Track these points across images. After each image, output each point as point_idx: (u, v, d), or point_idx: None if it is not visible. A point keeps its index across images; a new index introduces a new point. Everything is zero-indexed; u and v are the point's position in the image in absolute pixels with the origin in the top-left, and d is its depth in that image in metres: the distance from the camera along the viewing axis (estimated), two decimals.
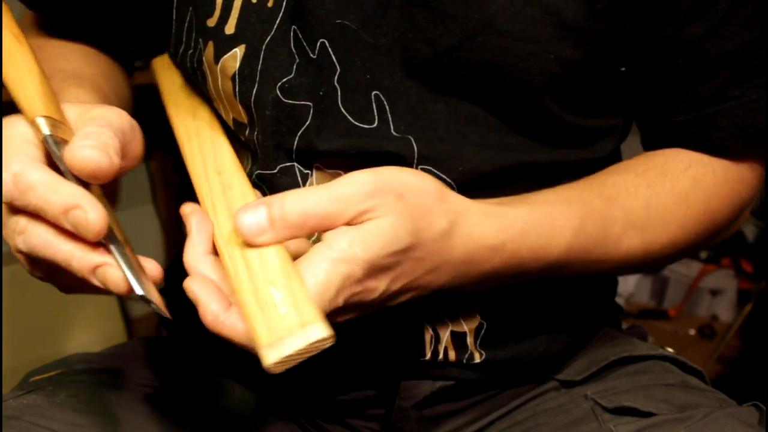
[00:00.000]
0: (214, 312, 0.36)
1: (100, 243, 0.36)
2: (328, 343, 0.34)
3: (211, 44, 0.47)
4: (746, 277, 1.59)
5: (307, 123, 0.46)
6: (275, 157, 0.48)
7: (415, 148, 0.46)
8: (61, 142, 0.36)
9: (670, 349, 0.59)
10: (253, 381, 0.59)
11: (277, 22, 0.45)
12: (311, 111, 0.46)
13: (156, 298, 0.37)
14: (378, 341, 0.52)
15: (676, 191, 0.50)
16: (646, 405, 0.48)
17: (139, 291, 0.36)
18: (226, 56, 0.47)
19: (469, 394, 0.56)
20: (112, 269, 0.35)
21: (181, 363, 0.59)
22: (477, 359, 0.53)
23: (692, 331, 1.56)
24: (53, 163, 0.36)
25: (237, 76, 0.47)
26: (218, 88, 0.49)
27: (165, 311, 0.38)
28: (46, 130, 0.36)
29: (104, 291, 0.38)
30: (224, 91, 0.48)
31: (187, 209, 0.41)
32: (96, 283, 0.36)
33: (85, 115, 0.38)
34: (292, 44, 0.46)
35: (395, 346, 0.52)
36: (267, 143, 0.48)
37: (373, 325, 0.51)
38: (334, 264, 0.36)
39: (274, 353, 0.33)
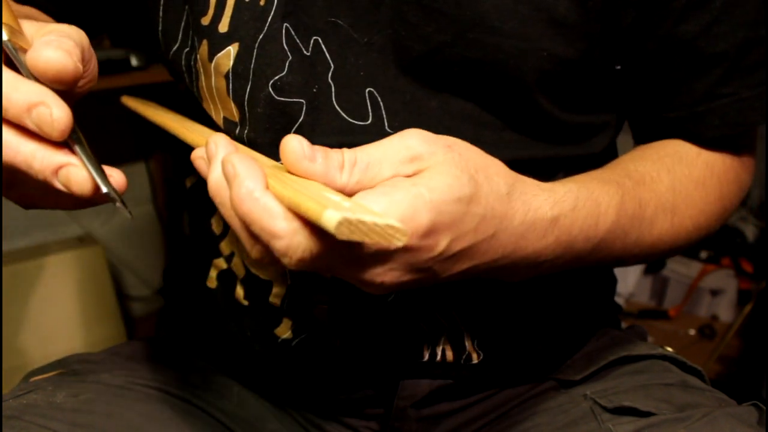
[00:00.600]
0: (249, 187, 0.31)
1: (64, 144, 0.34)
2: (400, 240, 0.29)
3: (205, 42, 0.48)
4: (746, 277, 1.59)
5: (300, 120, 0.46)
6: (269, 154, 0.48)
7: None
8: (21, 50, 0.35)
9: (669, 349, 0.59)
10: (253, 381, 0.59)
11: (269, 19, 0.45)
12: (304, 108, 0.46)
13: (119, 198, 0.36)
14: (375, 343, 0.52)
15: (694, 177, 0.51)
16: (646, 405, 0.48)
17: (104, 188, 0.34)
18: (219, 54, 0.47)
19: (467, 394, 0.56)
20: (75, 169, 0.34)
21: (181, 363, 0.59)
22: (475, 360, 0.53)
23: (692, 331, 1.56)
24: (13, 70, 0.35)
25: (230, 74, 0.47)
26: (211, 86, 0.49)
27: (127, 211, 0.36)
28: (5, 36, 0.34)
29: (65, 202, 0.36)
30: (217, 90, 0.49)
31: (198, 151, 0.37)
32: (59, 186, 0.34)
33: (43, 29, 0.36)
34: (284, 42, 0.46)
35: (393, 348, 0.52)
36: (261, 141, 0.48)
37: (371, 328, 0.51)
38: (396, 202, 0.32)
39: (340, 213, 0.28)
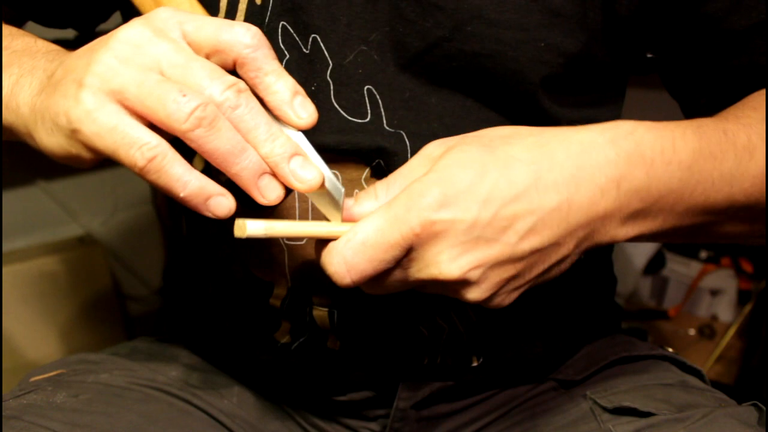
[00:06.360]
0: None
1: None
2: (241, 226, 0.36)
3: None
4: (746, 277, 1.59)
5: None
6: None
7: (408, 144, 0.46)
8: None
9: (669, 349, 0.59)
10: (253, 381, 0.59)
11: (267, 19, 0.45)
12: None
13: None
14: (375, 347, 0.52)
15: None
16: (645, 405, 0.48)
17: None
18: None
19: (467, 395, 0.56)
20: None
21: (181, 363, 0.59)
22: (475, 363, 0.53)
23: (692, 331, 1.56)
24: None
25: None
26: None
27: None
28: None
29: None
30: None
31: None
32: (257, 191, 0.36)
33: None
34: (280, 40, 0.46)
35: (393, 352, 0.52)
36: None
37: (371, 331, 0.51)
38: (408, 188, 0.36)
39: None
